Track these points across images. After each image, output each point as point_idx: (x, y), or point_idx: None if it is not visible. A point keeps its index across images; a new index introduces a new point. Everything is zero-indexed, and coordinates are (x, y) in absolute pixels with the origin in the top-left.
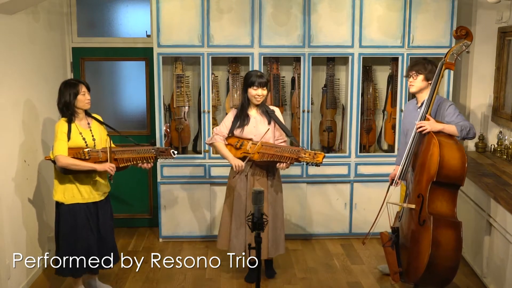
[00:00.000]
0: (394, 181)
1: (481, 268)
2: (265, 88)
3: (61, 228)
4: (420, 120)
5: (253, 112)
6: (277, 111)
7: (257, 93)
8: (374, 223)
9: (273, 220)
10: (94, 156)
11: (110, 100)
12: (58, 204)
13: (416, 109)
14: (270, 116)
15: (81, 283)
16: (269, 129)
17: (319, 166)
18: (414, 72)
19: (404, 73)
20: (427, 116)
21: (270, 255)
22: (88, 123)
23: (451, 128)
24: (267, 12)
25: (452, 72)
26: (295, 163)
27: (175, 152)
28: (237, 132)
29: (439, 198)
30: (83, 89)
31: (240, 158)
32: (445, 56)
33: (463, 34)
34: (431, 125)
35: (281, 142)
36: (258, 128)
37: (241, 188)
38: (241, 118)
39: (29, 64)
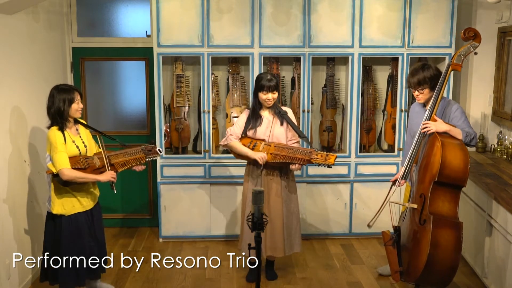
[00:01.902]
0: (398, 181)
1: (481, 268)
2: (275, 91)
3: (63, 240)
4: (425, 120)
5: (265, 113)
6: (289, 112)
7: (267, 97)
8: (378, 211)
9: (287, 219)
10: (91, 163)
11: (110, 100)
12: (56, 216)
13: (424, 111)
14: (282, 117)
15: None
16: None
17: (331, 167)
18: (419, 87)
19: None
20: (434, 116)
21: (286, 253)
22: (77, 129)
23: (456, 131)
24: (267, 12)
25: (452, 72)
26: (307, 164)
27: (161, 149)
28: (250, 133)
29: (441, 198)
30: (77, 97)
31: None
32: (452, 57)
33: (471, 35)
34: (436, 126)
35: (294, 143)
36: (270, 129)
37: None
38: (254, 119)
39: (29, 64)
